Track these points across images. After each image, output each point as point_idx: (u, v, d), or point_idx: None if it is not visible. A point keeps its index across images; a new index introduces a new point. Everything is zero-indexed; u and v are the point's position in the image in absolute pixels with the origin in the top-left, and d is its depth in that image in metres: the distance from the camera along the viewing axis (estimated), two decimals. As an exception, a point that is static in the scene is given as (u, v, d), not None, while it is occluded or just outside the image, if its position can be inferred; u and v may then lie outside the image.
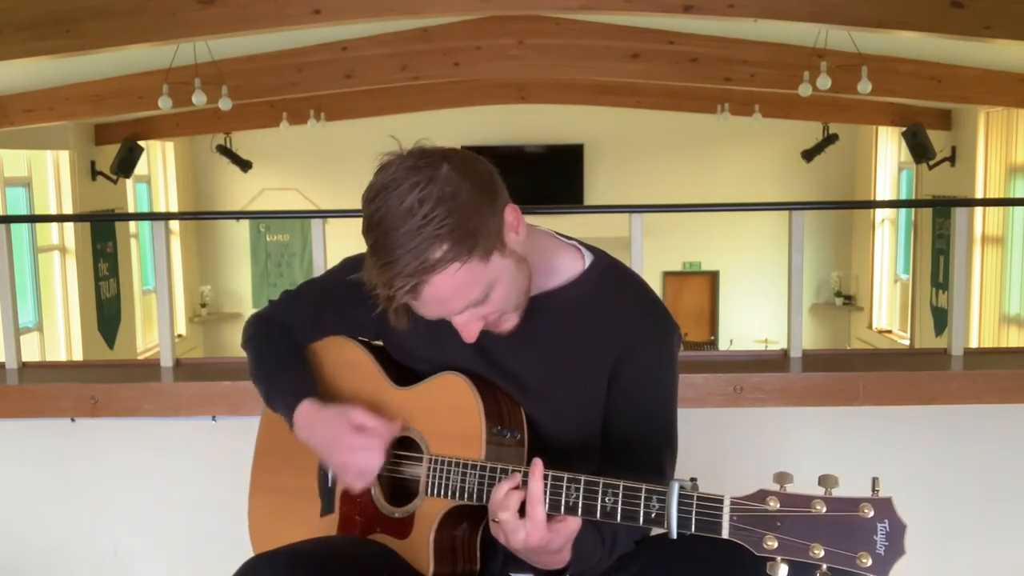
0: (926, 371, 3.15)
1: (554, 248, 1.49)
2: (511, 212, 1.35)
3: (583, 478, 1.25)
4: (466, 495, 1.35)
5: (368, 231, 1.30)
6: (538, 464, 1.25)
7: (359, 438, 1.41)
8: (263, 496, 1.66)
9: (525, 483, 1.26)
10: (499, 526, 1.28)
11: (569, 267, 1.49)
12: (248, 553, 1.40)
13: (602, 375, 1.45)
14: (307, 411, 1.48)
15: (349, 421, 1.43)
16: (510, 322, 1.39)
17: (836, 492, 1.10)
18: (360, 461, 1.41)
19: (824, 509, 1.09)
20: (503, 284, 1.34)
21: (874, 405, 3.03)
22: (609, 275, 1.50)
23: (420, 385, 1.48)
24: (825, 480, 1.11)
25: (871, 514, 1.07)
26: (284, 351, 1.60)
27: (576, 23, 7.05)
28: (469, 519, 1.42)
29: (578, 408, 1.45)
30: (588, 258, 1.50)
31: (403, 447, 1.48)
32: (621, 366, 1.44)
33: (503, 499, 1.27)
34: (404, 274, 1.26)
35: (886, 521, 1.07)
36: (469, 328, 1.35)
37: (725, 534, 1.13)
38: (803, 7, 4.94)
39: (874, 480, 1.10)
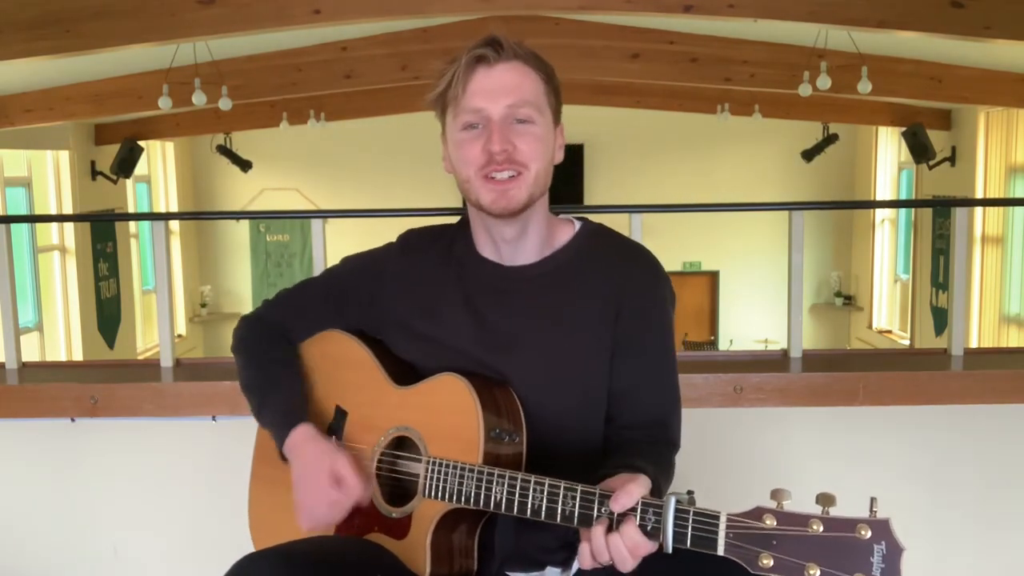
0: (926, 371, 3.14)
1: (551, 218, 1.55)
2: (562, 129, 1.50)
3: (579, 488, 1.25)
4: (463, 498, 1.35)
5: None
6: (619, 503, 1.19)
7: (332, 491, 1.43)
8: (263, 489, 1.66)
9: (610, 518, 1.21)
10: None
11: (562, 235, 1.54)
12: (248, 552, 1.40)
13: (602, 331, 1.46)
14: (300, 437, 1.49)
15: (331, 469, 1.44)
16: (522, 189, 1.42)
17: (833, 511, 1.10)
18: (321, 513, 1.45)
19: (821, 529, 1.09)
20: (543, 136, 1.43)
21: (874, 405, 3.03)
22: (597, 237, 1.55)
23: (419, 385, 1.48)
24: (823, 499, 1.10)
25: (868, 535, 1.07)
26: (276, 363, 1.60)
27: (576, 23, 7.05)
28: (467, 521, 1.42)
29: (580, 376, 1.46)
30: (577, 224, 1.56)
31: (401, 447, 1.48)
32: (621, 321, 1.47)
33: (610, 548, 1.20)
34: (499, 37, 1.41)
35: (883, 543, 1.07)
36: (502, 134, 1.39)
37: (720, 551, 1.13)
38: (803, 7, 4.94)
39: (872, 500, 1.09)
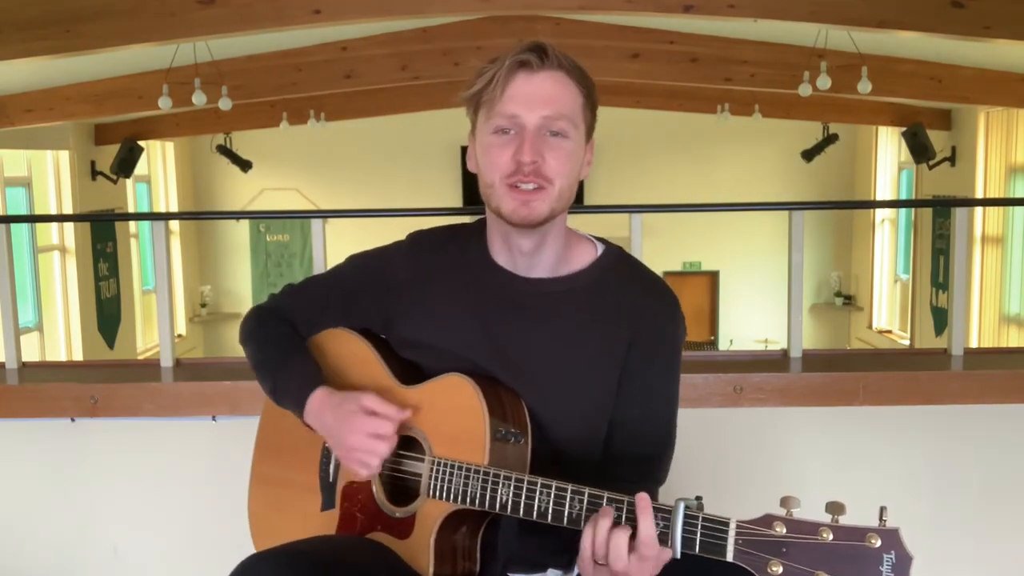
0: (926, 371, 3.15)
1: (570, 235, 1.52)
2: (592, 145, 1.47)
3: (587, 491, 1.25)
4: (468, 499, 1.35)
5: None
6: (645, 499, 1.20)
7: (370, 421, 1.40)
8: (263, 488, 1.66)
9: (621, 517, 1.21)
10: (598, 568, 1.22)
11: (582, 256, 1.51)
12: (249, 552, 1.40)
13: (611, 361, 1.45)
14: (320, 398, 1.47)
15: (360, 405, 1.42)
16: (544, 202, 1.40)
17: (843, 520, 1.10)
18: (369, 445, 1.40)
19: (831, 537, 1.09)
20: (573, 152, 1.41)
21: (874, 405, 3.03)
22: (621, 264, 1.52)
23: (424, 385, 1.48)
24: (832, 507, 1.11)
25: (878, 544, 1.07)
26: (287, 341, 1.59)
27: (576, 23, 7.05)
28: (470, 522, 1.42)
29: (585, 393, 1.45)
30: (600, 248, 1.53)
31: (405, 447, 1.48)
32: (631, 355, 1.45)
33: (610, 539, 1.20)
34: (546, 45, 1.39)
35: (892, 552, 1.07)
36: (533, 145, 1.37)
37: (730, 557, 1.13)
38: (803, 7, 4.94)
39: (881, 509, 1.10)
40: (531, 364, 1.45)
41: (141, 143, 9.75)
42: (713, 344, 11.99)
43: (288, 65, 7.37)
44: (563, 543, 1.48)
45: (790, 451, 3.08)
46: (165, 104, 6.63)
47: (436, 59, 7.22)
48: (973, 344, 7.98)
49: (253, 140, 11.12)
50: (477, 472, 1.35)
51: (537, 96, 1.38)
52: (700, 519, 1.15)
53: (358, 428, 1.40)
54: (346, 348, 1.59)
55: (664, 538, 1.17)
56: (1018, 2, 4.69)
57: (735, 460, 3.02)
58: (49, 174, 9.06)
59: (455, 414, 1.41)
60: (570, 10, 6.42)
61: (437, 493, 1.39)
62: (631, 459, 1.45)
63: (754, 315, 11.64)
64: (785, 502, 1.12)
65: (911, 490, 3.06)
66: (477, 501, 1.34)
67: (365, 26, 6.69)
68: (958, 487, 3.10)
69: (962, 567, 3.10)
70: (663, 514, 1.18)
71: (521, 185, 1.38)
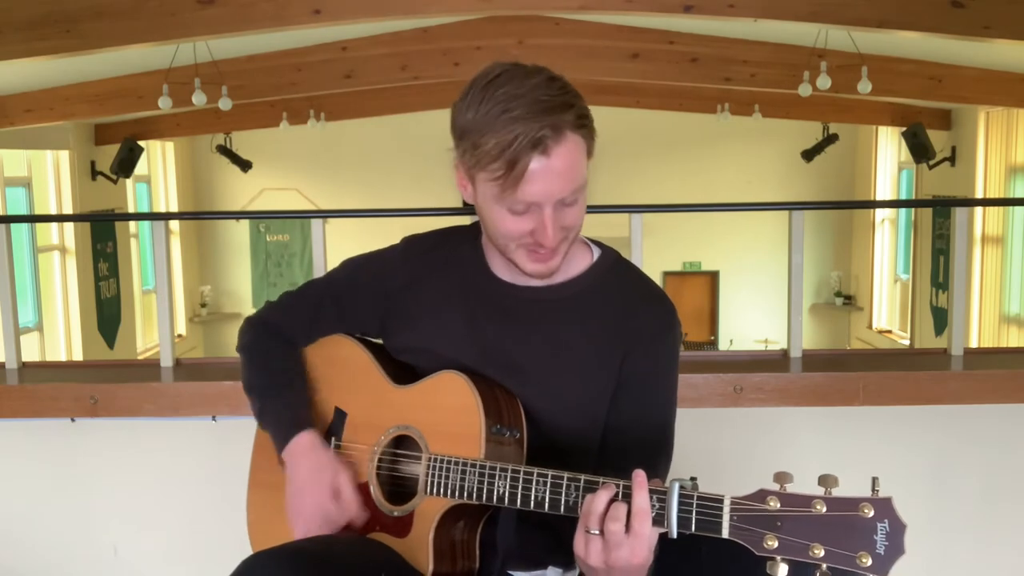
0: (926, 371, 3.15)
1: None
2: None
3: (583, 478, 1.26)
4: (465, 494, 1.35)
5: (489, 91, 1.29)
6: (641, 475, 1.20)
7: (331, 504, 1.46)
8: (262, 492, 1.66)
9: (618, 495, 1.21)
10: (590, 539, 1.21)
11: (578, 261, 1.50)
12: (248, 552, 1.40)
13: (606, 369, 1.45)
14: (304, 445, 1.51)
15: (333, 482, 1.47)
16: (561, 254, 1.39)
17: (836, 492, 1.10)
18: (314, 522, 1.47)
19: (824, 509, 1.09)
20: (584, 201, 1.38)
21: (874, 405, 3.03)
22: (617, 270, 1.52)
23: (419, 383, 1.48)
24: (825, 480, 1.11)
25: (871, 514, 1.07)
26: (280, 366, 1.59)
27: (576, 23, 7.05)
28: (468, 518, 1.42)
29: (580, 402, 1.45)
30: (596, 252, 1.52)
31: (402, 446, 1.48)
32: (627, 362, 1.45)
33: (607, 511, 1.20)
34: (558, 105, 1.28)
35: (886, 521, 1.07)
36: (552, 228, 1.34)
37: (725, 534, 1.13)
38: (803, 7, 4.95)
39: (874, 480, 1.10)
40: (525, 368, 1.45)
41: (141, 143, 9.75)
42: (713, 344, 11.99)
43: (288, 65, 7.38)
44: (562, 541, 1.49)
45: (790, 451, 3.08)
46: (165, 104, 6.64)
47: (436, 59, 7.23)
48: (973, 344, 7.98)
49: (253, 140, 11.13)
50: (473, 466, 1.35)
51: (554, 180, 1.31)
52: (695, 498, 1.15)
53: (318, 504, 1.46)
54: (341, 353, 1.59)
55: (660, 519, 1.17)
56: (1018, 2, 4.70)
57: (735, 460, 3.01)
58: (49, 174, 9.06)
59: (450, 411, 1.41)
60: (570, 10, 6.42)
61: (434, 490, 1.39)
62: (626, 468, 1.45)
63: (754, 315, 11.65)
64: (779, 477, 1.13)
65: (911, 490, 3.06)
66: (474, 495, 1.34)
67: (365, 26, 6.69)
68: (958, 487, 3.10)
69: (962, 567, 3.10)
70: (659, 495, 1.18)
71: (539, 249, 1.37)
